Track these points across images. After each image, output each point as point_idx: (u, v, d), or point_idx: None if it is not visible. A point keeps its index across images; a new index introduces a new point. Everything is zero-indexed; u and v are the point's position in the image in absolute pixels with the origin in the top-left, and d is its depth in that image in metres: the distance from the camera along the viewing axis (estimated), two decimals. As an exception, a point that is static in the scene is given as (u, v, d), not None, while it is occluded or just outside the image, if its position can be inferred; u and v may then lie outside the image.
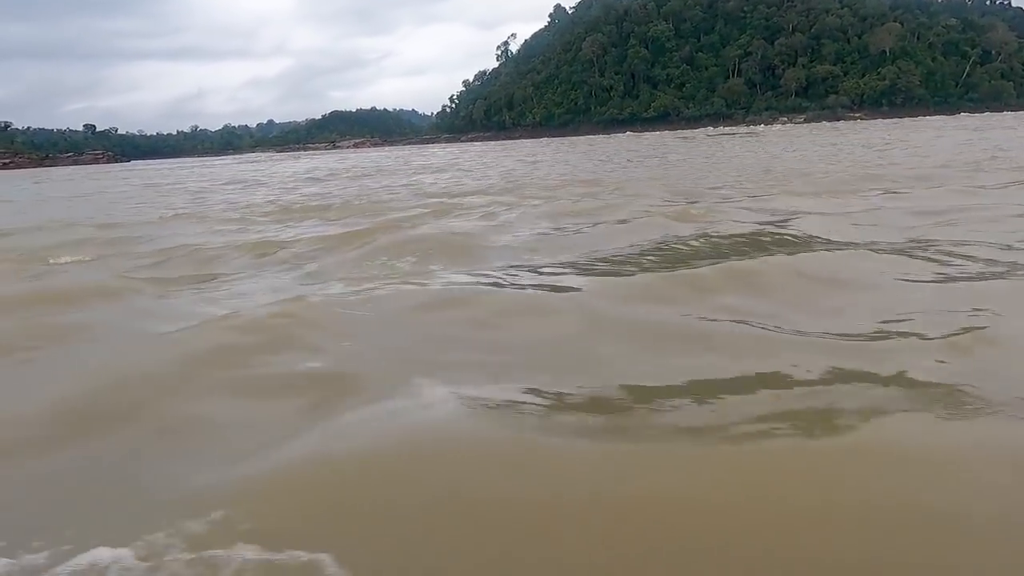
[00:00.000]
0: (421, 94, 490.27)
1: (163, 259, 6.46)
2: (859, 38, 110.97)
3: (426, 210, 9.49)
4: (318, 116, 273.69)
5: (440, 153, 50.26)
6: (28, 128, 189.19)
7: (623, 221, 7.22)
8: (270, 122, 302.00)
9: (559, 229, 7.00)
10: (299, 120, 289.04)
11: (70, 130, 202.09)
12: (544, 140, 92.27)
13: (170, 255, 6.63)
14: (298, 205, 11.78)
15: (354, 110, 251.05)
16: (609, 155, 26.35)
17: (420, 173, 20.84)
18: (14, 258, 6.73)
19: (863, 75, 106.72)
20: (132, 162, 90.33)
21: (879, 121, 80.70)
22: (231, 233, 8.27)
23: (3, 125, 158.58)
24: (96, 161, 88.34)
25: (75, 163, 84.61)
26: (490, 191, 12.58)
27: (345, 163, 36.80)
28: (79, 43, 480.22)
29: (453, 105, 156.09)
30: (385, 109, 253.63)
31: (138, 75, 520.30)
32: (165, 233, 8.55)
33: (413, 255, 5.49)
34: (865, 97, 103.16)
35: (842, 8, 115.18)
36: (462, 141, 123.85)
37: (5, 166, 77.71)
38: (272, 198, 14.24)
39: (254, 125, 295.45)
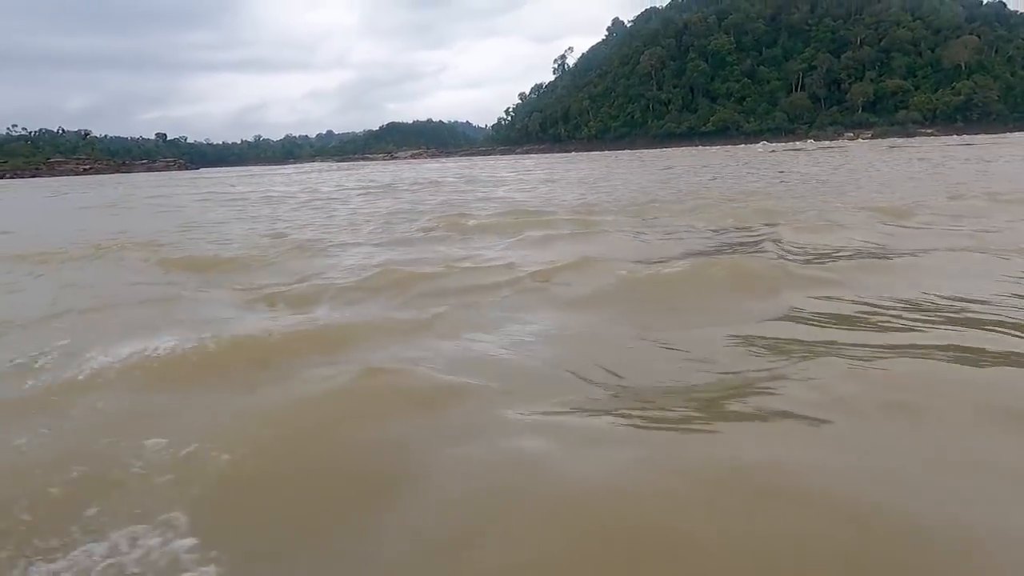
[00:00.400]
0: (476, 106, 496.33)
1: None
2: (932, 51, 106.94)
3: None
4: (375, 127, 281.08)
5: (500, 164, 50.14)
6: (105, 136, 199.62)
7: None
8: (329, 132, 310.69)
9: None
10: (357, 131, 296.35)
11: (143, 138, 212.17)
12: (605, 152, 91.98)
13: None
14: (458, 216, 10.00)
15: (410, 122, 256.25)
16: (715, 170, 23.54)
17: (525, 185, 19.94)
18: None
19: (935, 90, 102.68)
20: (200, 169, 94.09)
21: (954, 137, 77.33)
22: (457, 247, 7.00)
23: (84, 133, 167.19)
24: (168, 168, 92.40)
25: (149, 169, 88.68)
26: (621, 207, 10.98)
27: (427, 173, 36.30)
28: (156, 55, 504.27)
29: (509, 118, 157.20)
30: (440, 121, 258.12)
31: (207, 86, 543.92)
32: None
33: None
34: (938, 113, 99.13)
35: (914, 20, 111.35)
36: (517, 153, 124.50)
37: (86, 171, 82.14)
38: (423, 208, 12.51)
39: (313, 135, 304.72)
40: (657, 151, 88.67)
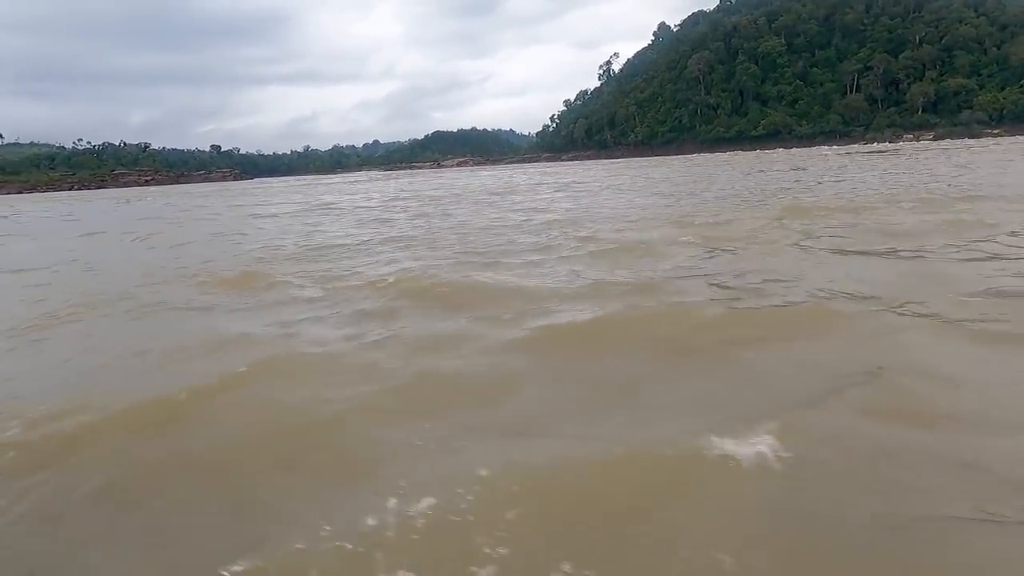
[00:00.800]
0: (518, 114, 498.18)
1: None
2: (997, 48, 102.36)
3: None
4: (420, 136, 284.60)
5: (558, 171, 49.75)
6: (163, 148, 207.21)
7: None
8: (375, 142, 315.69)
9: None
10: (402, 140, 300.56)
11: (198, 150, 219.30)
12: (654, 159, 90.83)
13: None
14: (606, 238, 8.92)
15: (455, 130, 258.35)
16: (805, 176, 22.00)
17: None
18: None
19: (1002, 88, 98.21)
20: (255, 179, 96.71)
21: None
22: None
23: (144, 146, 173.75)
24: (224, 179, 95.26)
25: (206, 180, 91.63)
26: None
27: (487, 181, 35.84)
28: (212, 70, 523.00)
29: (554, 125, 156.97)
30: (485, 129, 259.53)
31: (259, 99, 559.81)
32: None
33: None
34: (1005, 112, 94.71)
35: (978, 17, 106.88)
36: (562, 160, 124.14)
37: (148, 182, 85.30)
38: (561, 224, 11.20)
39: (360, 145, 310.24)
40: (710, 155, 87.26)
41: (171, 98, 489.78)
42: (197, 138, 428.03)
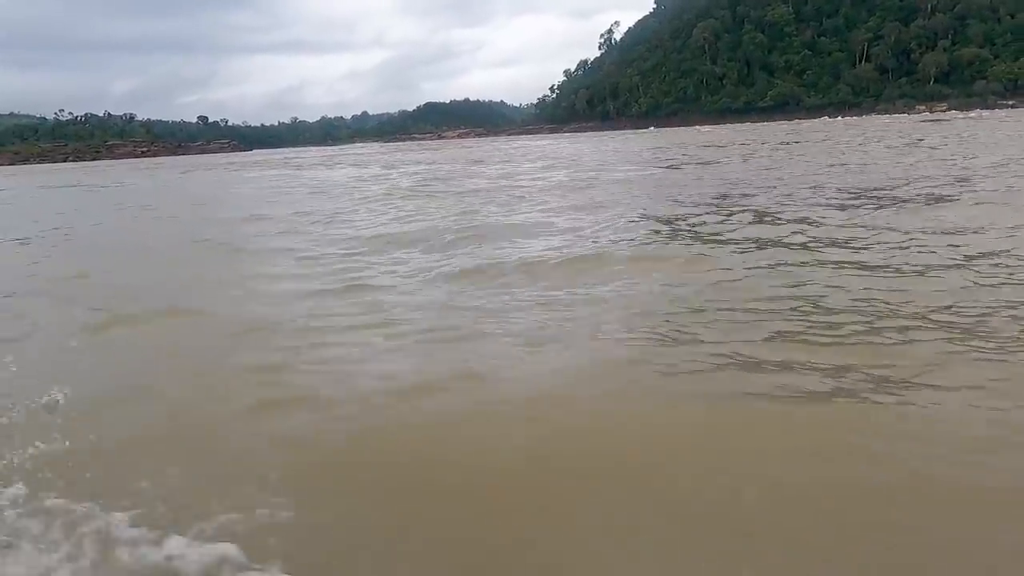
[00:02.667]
0: (510, 85, 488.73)
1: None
2: (1012, 17, 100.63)
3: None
4: (410, 107, 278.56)
5: (574, 144, 47.48)
6: (148, 119, 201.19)
7: None
8: (364, 113, 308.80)
9: None
10: (392, 111, 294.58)
11: (184, 121, 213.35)
12: (665, 129, 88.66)
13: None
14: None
15: (447, 101, 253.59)
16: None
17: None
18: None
19: (1016, 58, 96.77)
20: (254, 151, 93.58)
21: None
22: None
23: (129, 116, 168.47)
24: (222, 150, 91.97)
25: (203, 151, 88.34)
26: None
27: (517, 152, 33.54)
28: (199, 38, 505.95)
29: (554, 95, 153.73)
30: (478, 100, 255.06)
31: (248, 68, 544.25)
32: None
33: None
34: (1020, 83, 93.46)
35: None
36: (565, 132, 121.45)
37: (144, 153, 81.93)
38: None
39: (349, 117, 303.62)
40: (719, 127, 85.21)
41: (155, 67, 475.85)
42: (182, 108, 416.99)
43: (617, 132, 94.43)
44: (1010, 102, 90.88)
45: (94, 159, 77.24)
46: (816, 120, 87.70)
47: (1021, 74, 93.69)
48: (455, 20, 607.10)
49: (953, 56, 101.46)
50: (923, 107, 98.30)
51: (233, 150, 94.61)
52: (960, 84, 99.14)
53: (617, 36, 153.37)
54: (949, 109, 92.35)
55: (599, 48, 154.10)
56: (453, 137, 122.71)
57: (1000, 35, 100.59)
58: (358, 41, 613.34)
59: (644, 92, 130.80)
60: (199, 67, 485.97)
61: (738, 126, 79.40)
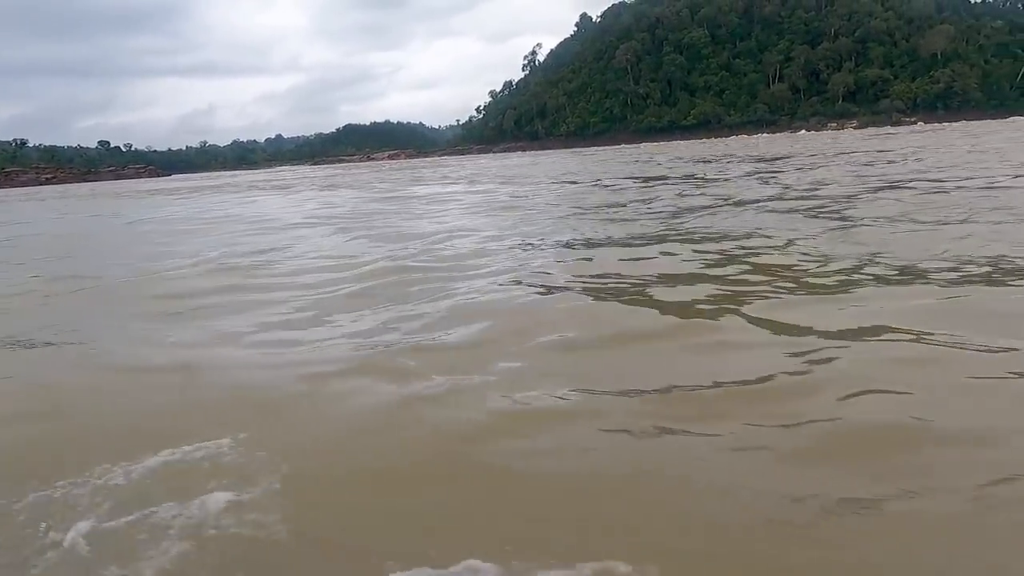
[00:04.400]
0: (428, 107, 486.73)
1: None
2: (907, 41, 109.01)
3: None
4: (327, 130, 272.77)
5: (520, 163, 46.50)
6: (41, 145, 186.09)
7: None
8: (279, 136, 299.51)
9: None
10: (307, 135, 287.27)
11: (81, 146, 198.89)
12: (596, 148, 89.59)
13: None
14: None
15: (367, 123, 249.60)
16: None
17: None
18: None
19: (914, 79, 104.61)
20: (172, 176, 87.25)
21: (942, 125, 77.85)
22: None
23: (19, 142, 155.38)
24: (138, 175, 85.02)
25: (117, 177, 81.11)
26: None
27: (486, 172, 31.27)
28: (99, 61, 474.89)
29: (480, 115, 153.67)
30: (399, 122, 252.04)
31: (153, 92, 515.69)
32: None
33: None
34: (919, 101, 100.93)
35: (886, 12, 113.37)
36: (495, 152, 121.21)
37: (49, 180, 74.18)
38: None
39: (263, 140, 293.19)
40: (652, 144, 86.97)
41: (48, 91, 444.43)
42: (79, 134, 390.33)
43: (552, 151, 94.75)
44: (912, 119, 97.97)
45: (-9, 187, 69.67)
46: (742, 136, 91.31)
47: (920, 92, 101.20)
48: (372, 44, 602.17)
49: (858, 76, 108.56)
50: (834, 124, 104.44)
51: (150, 175, 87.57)
52: (866, 103, 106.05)
53: (541, 57, 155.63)
54: (859, 126, 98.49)
55: (523, 69, 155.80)
56: (383, 159, 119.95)
57: (898, 57, 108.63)
58: (271, 64, 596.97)
59: (571, 112, 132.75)
60: (98, 91, 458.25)
61: (689, 142, 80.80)
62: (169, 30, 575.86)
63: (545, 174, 21.79)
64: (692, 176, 15.80)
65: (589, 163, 30.06)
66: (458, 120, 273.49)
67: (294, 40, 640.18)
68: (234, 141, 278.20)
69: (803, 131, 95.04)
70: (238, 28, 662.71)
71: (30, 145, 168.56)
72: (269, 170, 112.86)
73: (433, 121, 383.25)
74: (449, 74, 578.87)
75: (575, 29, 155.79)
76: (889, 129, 77.08)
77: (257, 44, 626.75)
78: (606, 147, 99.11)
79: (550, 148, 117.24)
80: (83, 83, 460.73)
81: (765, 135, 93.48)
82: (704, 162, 23.74)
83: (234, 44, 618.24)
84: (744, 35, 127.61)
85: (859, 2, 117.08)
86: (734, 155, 27.54)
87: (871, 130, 79.78)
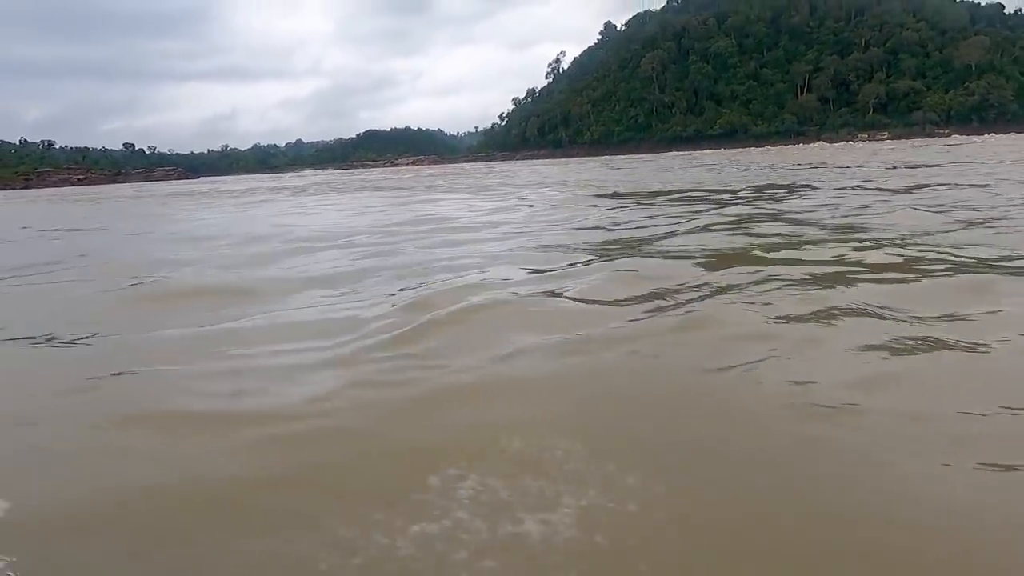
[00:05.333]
0: (447, 114, 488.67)
1: None
2: (940, 52, 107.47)
3: None
4: (346, 136, 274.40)
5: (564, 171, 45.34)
6: (68, 147, 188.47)
7: None
8: (299, 141, 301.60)
9: None
10: (327, 139, 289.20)
11: (107, 148, 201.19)
12: (629, 156, 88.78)
13: None
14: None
15: (388, 129, 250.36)
16: None
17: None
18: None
19: (947, 91, 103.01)
20: (200, 179, 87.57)
21: (975, 138, 76.10)
22: None
23: (47, 143, 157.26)
24: (168, 177, 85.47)
25: (147, 179, 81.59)
26: None
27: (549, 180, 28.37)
28: (122, 63, 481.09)
29: (503, 122, 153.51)
30: (420, 128, 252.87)
31: (177, 95, 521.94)
32: None
33: None
34: (952, 113, 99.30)
35: (918, 22, 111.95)
36: (518, 159, 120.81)
37: (80, 181, 74.66)
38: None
39: (283, 144, 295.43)
40: (683, 153, 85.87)
41: (72, 93, 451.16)
42: (104, 136, 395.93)
43: (581, 159, 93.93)
44: (945, 131, 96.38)
45: (26, 187, 69.94)
46: (788, 146, 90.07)
47: (953, 105, 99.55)
48: (394, 49, 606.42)
49: (890, 88, 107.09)
50: (865, 135, 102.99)
51: (179, 177, 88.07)
52: (897, 114, 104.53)
53: (565, 65, 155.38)
54: (890, 138, 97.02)
55: (547, 77, 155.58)
56: (407, 164, 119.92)
57: (931, 68, 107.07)
58: (293, 69, 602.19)
59: (596, 120, 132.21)
60: (122, 93, 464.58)
61: (740, 151, 79.25)
62: (194, 33, 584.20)
63: (635, 182, 20.66)
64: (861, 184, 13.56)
65: (677, 170, 28.79)
66: (476, 127, 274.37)
67: (317, 45, 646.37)
68: (255, 145, 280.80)
69: (847, 142, 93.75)
70: (262, 32, 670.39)
71: (57, 147, 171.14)
72: (298, 174, 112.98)
73: (451, 128, 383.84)
74: (468, 81, 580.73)
75: (599, 37, 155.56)
76: (941, 141, 74.89)
77: (280, 49, 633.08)
78: (634, 156, 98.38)
79: (573, 156, 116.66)
80: (108, 86, 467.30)
81: (795, 146, 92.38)
82: (814, 167, 22.79)
83: (258, 48, 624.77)
84: (772, 45, 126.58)
85: (890, 12, 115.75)
86: (825, 163, 26.37)
87: (918, 141, 77.16)
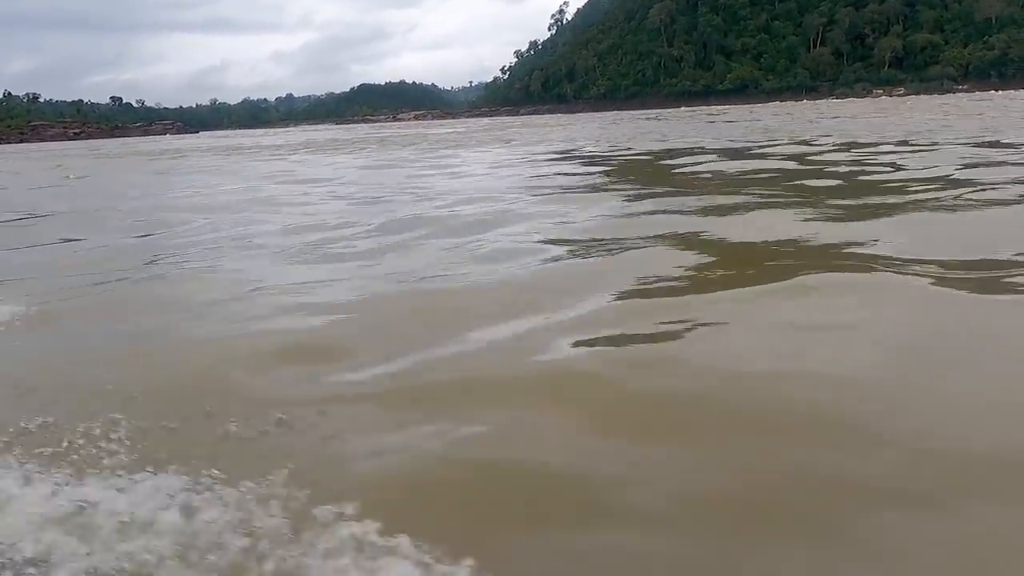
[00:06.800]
0: (440, 68, 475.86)
1: None
2: (959, 4, 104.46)
3: None
4: (338, 90, 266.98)
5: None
6: (52, 100, 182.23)
7: None
8: (289, 96, 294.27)
9: None
10: (318, 94, 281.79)
11: (93, 102, 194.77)
12: (637, 112, 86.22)
13: None
14: None
15: (382, 84, 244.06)
16: None
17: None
18: None
19: (965, 45, 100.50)
20: (199, 134, 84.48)
21: (995, 94, 74.08)
22: None
23: (32, 96, 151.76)
24: (166, 131, 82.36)
25: (145, 133, 78.52)
26: None
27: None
28: (108, 14, 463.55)
29: (504, 76, 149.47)
30: (415, 82, 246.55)
31: (165, 47, 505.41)
32: None
33: None
34: (971, 68, 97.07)
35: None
36: (522, 114, 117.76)
37: (76, 135, 71.58)
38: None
39: (272, 99, 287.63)
40: (688, 109, 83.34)
41: (57, 45, 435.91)
42: (90, 89, 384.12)
43: (594, 114, 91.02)
44: (963, 86, 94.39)
45: (21, 141, 66.93)
46: (793, 103, 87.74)
47: (972, 59, 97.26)
48: (387, 1, 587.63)
49: (907, 41, 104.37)
50: (880, 91, 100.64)
51: (177, 131, 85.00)
52: (914, 69, 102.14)
53: (568, 17, 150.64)
54: (907, 94, 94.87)
55: (549, 29, 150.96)
56: (409, 119, 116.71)
57: (949, 21, 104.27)
58: (285, 21, 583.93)
59: (602, 74, 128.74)
60: (108, 45, 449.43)
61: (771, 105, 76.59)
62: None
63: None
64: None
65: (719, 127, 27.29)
66: (471, 82, 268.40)
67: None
68: (245, 99, 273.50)
69: (865, 96, 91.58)
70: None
71: (42, 100, 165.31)
72: (301, 128, 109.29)
73: (444, 82, 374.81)
74: (461, 34, 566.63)
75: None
76: (957, 96, 72.47)
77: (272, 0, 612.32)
78: (643, 111, 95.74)
79: (579, 111, 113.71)
80: (94, 36, 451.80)
81: (810, 101, 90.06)
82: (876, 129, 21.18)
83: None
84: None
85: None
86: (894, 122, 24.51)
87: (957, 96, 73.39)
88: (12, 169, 23.93)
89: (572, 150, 17.07)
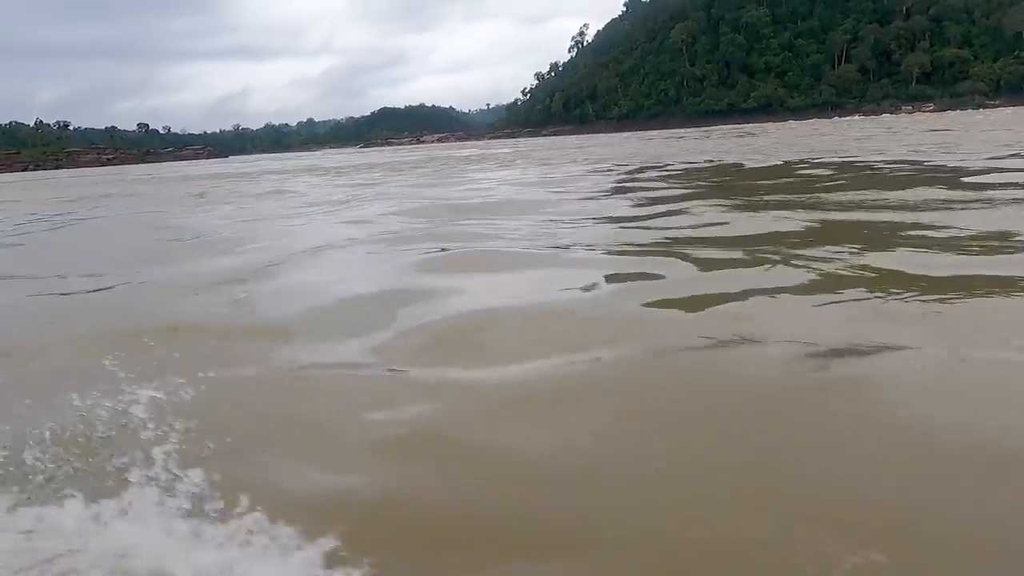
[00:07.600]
0: (459, 91, 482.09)
1: None
2: (987, 19, 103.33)
3: None
4: (358, 114, 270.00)
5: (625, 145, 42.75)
6: (80, 127, 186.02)
7: None
8: (310, 120, 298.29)
9: None
10: (338, 118, 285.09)
11: (119, 128, 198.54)
12: (664, 132, 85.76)
13: None
14: None
15: (402, 107, 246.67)
16: None
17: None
18: None
19: (995, 59, 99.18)
20: (229, 158, 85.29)
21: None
22: None
23: (62, 124, 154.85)
24: (198, 156, 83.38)
25: (176, 158, 79.65)
26: None
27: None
28: (133, 43, 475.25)
29: (526, 97, 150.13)
30: (434, 106, 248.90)
31: (188, 74, 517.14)
32: None
33: None
34: (1002, 83, 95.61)
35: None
36: (544, 135, 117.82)
37: (109, 161, 72.71)
38: None
39: (294, 124, 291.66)
40: (718, 128, 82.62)
41: (85, 74, 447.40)
42: (115, 116, 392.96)
43: (617, 134, 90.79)
44: (995, 102, 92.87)
45: (57, 167, 67.98)
46: (817, 121, 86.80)
47: (1003, 74, 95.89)
48: (407, 25, 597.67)
49: (935, 57, 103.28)
50: (909, 107, 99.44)
51: (209, 156, 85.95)
52: (943, 85, 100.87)
53: (588, 39, 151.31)
54: (936, 110, 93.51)
55: (569, 51, 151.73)
56: (433, 141, 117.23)
57: (977, 36, 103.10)
58: (305, 47, 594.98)
59: (623, 94, 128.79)
60: (134, 73, 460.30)
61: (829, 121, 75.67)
62: (207, 10, 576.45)
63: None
64: None
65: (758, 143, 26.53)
66: (488, 104, 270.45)
67: (329, 22, 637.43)
68: (267, 124, 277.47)
69: (896, 113, 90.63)
70: (273, 10, 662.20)
71: (71, 127, 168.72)
72: (323, 152, 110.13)
73: (462, 105, 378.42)
74: (480, 58, 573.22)
75: (624, 9, 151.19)
76: (985, 112, 71.37)
77: (293, 26, 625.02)
78: (666, 130, 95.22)
79: (600, 132, 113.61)
80: (120, 65, 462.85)
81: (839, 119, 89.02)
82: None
83: (268, 26, 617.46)
84: (806, 14, 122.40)
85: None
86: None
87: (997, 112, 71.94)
88: (140, 192, 21.54)
89: (653, 165, 16.49)
